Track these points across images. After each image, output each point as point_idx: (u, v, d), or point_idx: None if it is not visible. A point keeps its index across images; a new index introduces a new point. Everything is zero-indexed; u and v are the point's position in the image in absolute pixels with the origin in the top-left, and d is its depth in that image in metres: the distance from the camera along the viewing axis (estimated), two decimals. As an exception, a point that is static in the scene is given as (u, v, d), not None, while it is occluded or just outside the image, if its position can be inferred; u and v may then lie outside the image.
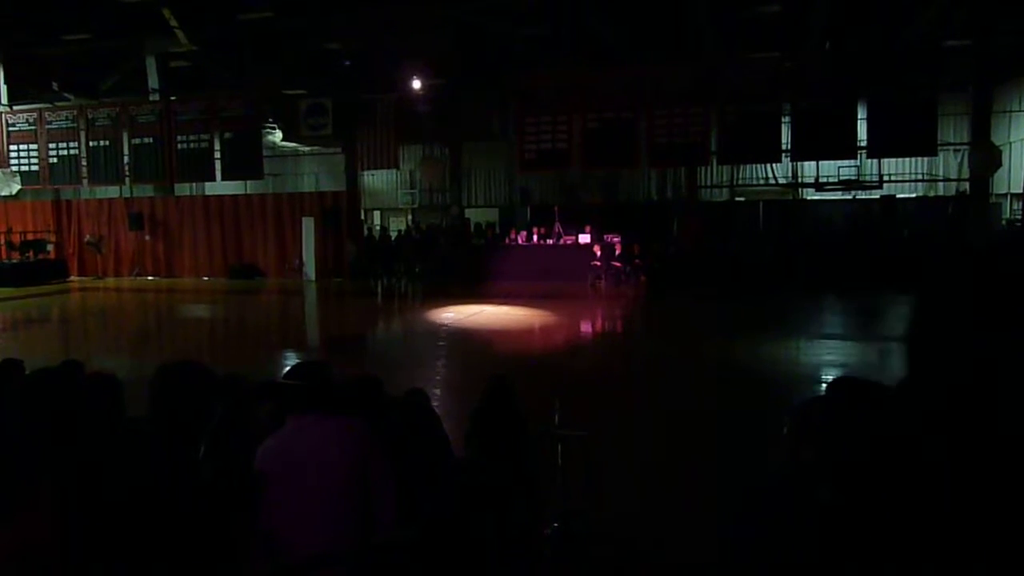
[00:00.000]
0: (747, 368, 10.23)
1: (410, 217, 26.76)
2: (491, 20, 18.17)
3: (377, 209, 27.65)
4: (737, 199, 22.47)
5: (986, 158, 17.13)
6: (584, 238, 19.99)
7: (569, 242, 20.24)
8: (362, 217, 24.53)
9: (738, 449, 6.11)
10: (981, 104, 17.60)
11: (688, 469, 6.17)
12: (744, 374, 9.82)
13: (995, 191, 18.43)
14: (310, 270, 22.32)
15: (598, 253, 19.50)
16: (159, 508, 2.29)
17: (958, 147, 19.77)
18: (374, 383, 4.07)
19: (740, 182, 22.89)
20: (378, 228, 25.65)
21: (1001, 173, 18.11)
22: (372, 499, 2.84)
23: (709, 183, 22.67)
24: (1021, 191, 18.51)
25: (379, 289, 20.78)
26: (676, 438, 7.04)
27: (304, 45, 20.59)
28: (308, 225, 22.31)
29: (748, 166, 22.26)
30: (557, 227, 20.39)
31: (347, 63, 21.31)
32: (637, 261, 19.63)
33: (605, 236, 19.98)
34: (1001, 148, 17.79)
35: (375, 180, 27.08)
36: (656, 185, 24.00)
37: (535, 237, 20.82)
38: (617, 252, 19.68)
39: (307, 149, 26.56)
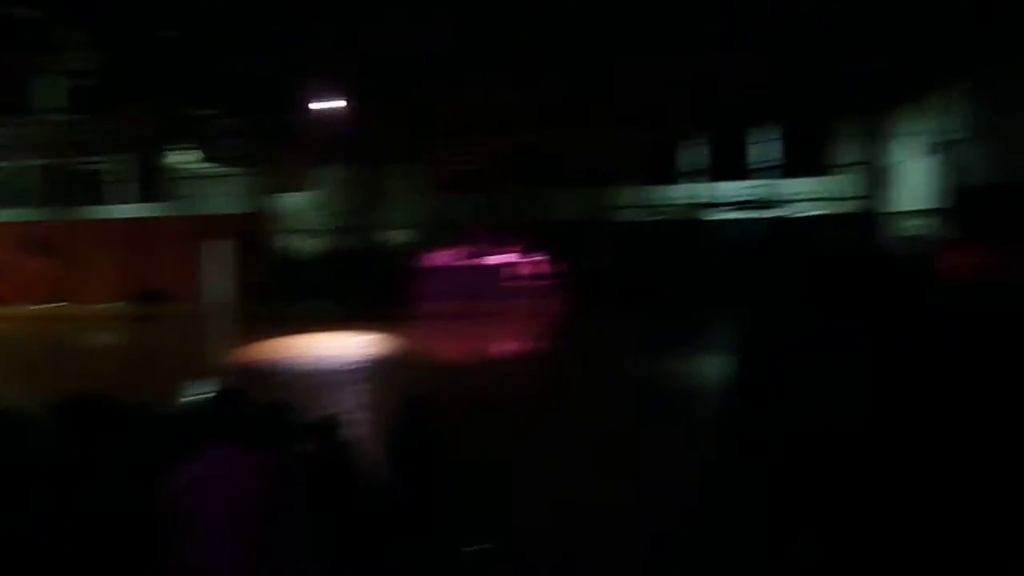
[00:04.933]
0: (661, 384, 10.47)
1: (327, 240, 26.35)
2: (406, 44, 18.15)
3: (292, 232, 27.13)
4: (646, 218, 23.01)
5: (876, 179, 18.10)
6: (503, 258, 20.13)
7: (488, 262, 20.34)
8: (276, 240, 24.03)
9: (654, 463, 6.25)
10: (874, 127, 18.61)
11: (604, 487, 6.26)
12: (658, 390, 10.04)
13: (888, 210, 19.45)
14: (221, 295, 21.73)
15: (517, 273, 19.67)
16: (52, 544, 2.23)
17: (853, 167, 20.81)
18: (286, 410, 4.02)
19: (648, 202, 23.42)
20: (293, 251, 25.15)
21: (890, 193, 19.16)
22: (283, 530, 2.81)
23: (619, 203, 23.14)
24: (907, 210, 19.66)
25: (295, 314, 20.38)
26: (592, 456, 7.15)
27: (216, 64, 20.14)
28: (221, 248, 21.74)
29: (655, 187, 22.83)
30: (475, 247, 20.47)
31: (261, 82, 20.94)
32: (555, 280, 19.87)
33: (526, 255, 20.17)
34: (893, 168, 18.83)
35: (290, 202, 26.59)
36: (571, 204, 24.34)
37: (453, 258, 20.84)
38: (535, 271, 19.88)
39: (219, 169, 25.90)
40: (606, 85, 19.14)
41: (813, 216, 21.62)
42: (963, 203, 16.58)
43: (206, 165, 24.32)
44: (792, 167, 19.21)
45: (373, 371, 11.97)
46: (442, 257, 21.04)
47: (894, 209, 19.86)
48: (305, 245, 25.99)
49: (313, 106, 20.28)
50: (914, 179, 19.52)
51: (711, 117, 18.78)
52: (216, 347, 16.64)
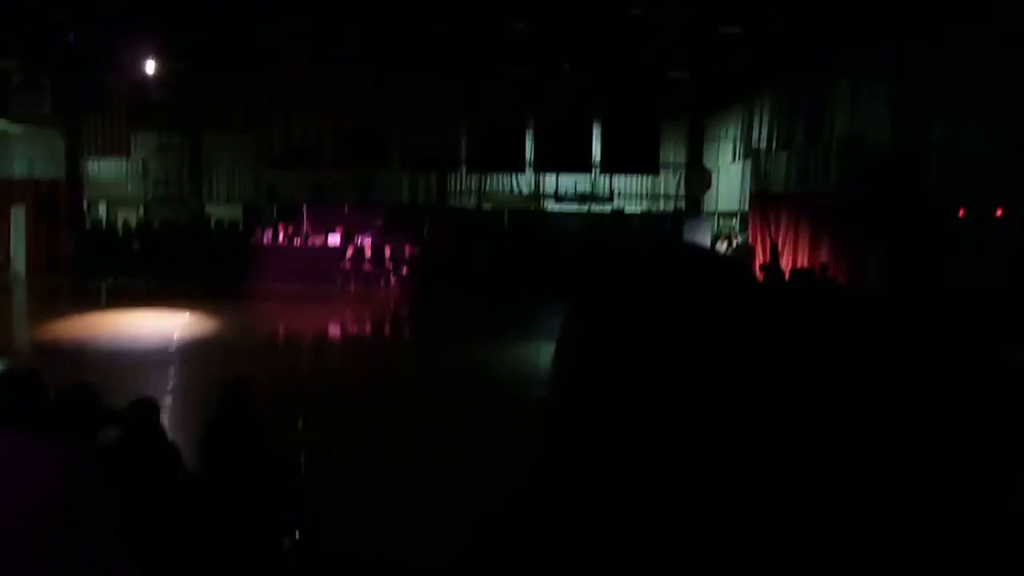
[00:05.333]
0: (490, 371, 10.65)
1: (142, 211, 24.62)
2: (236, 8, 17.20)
3: (103, 200, 25.11)
4: (484, 207, 23.31)
5: (699, 179, 19.31)
6: (334, 239, 19.64)
7: (318, 243, 19.78)
8: (85, 209, 22.19)
9: (482, 453, 6.34)
10: (695, 131, 19.84)
11: (431, 476, 6.29)
12: (487, 377, 10.21)
13: (706, 209, 20.79)
14: (19, 266, 19.76)
15: (348, 255, 19.26)
16: None
17: (676, 168, 22.07)
18: (89, 393, 3.71)
19: (487, 191, 23.77)
20: (103, 221, 23.29)
21: (710, 193, 20.51)
22: (86, 524, 2.59)
23: (459, 190, 23.28)
24: (726, 210, 21.13)
25: (103, 289, 18.89)
26: (420, 444, 7.16)
27: (19, 13, 18.17)
28: (18, 215, 19.73)
29: (495, 176, 23.18)
30: (305, 227, 19.84)
31: (72, 37, 19.12)
32: (388, 264, 19.65)
33: (356, 238, 19.77)
34: (711, 171, 20.15)
35: (102, 169, 24.54)
36: (408, 189, 24.20)
37: (281, 237, 20.08)
38: (368, 255, 19.55)
39: (19, 129, 23.45)
40: (445, 74, 19.13)
41: (640, 212, 22.78)
42: (758, 206, 18.09)
43: (3, 124, 21.97)
44: (623, 164, 20.15)
45: (188, 353, 11.34)
46: (269, 235, 20.21)
47: (712, 209, 21.28)
48: (118, 216, 24.16)
49: (131, 67, 18.81)
50: (729, 182, 21.01)
51: (544, 112, 19.28)
52: (10, 323, 15.13)
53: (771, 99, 18.03)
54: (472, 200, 23.56)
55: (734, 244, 18.47)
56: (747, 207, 19.45)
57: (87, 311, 16.05)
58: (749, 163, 19.42)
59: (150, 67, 18.84)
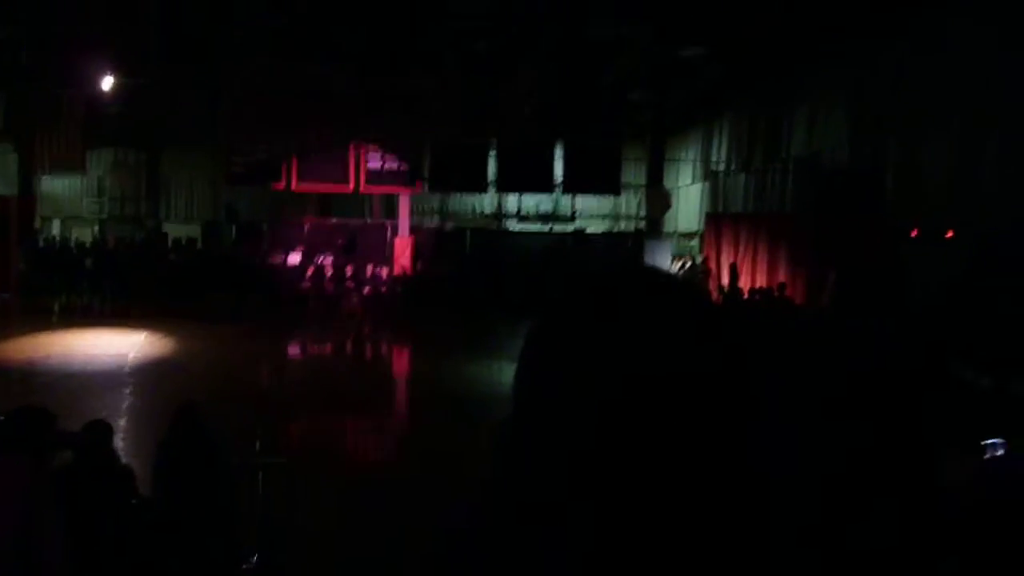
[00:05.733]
0: (451, 389, 10.58)
1: (97, 228, 24.12)
2: (201, 15, 16.97)
3: (56, 218, 24.57)
4: (447, 226, 23.29)
5: (659, 200, 19.52)
6: (294, 258, 19.45)
7: (278, 261, 19.57)
8: (37, 226, 21.68)
9: (442, 469, 6.29)
10: (656, 152, 20.08)
11: (391, 491, 6.23)
12: (448, 395, 10.14)
13: (667, 230, 21.01)
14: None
15: (309, 274, 19.08)
16: None
17: (637, 189, 22.29)
18: (41, 415, 3.61)
19: (450, 210, 23.75)
20: (56, 239, 22.75)
21: (671, 214, 20.73)
22: (35, 546, 2.51)
23: (421, 209, 23.22)
24: (686, 231, 21.38)
25: (55, 308, 18.44)
26: (381, 459, 7.09)
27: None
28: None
29: (457, 195, 23.18)
30: (265, 245, 19.64)
31: (24, 51, 18.74)
32: (350, 283, 19.50)
33: (317, 257, 19.60)
34: (671, 192, 20.38)
35: (55, 185, 24.03)
36: (368, 207, 24.06)
37: (245, 253, 19.80)
38: (329, 274, 19.39)
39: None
40: (404, 90, 19.14)
41: (602, 232, 22.95)
42: (713, 226, 18.34)
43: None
44: (585, 184, 20.37)
45: (143, 373, 11.10)
46: (232, 251, 19.94)
47: (672, 229, 21.53)
48: (70, 233, 23.64)
49: (86, 81, 18.47)
50: (689, 203, 21.28)
51: (507, 132, 19.40)
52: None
53: (730, 121, 18.35)
54: (435, 219, 23.53)
55: (687, 265, 18.58)
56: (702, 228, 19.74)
57: (38, 331, 15.64)
58: (708, 184, 19.72)
59: (106, 81, 18.52)
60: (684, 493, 0.65)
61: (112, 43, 17.44)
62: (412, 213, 22.27)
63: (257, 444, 4.91)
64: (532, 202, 22.95)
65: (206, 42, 17.48)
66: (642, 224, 21.30)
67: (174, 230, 22.39)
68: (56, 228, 24.23)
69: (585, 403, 0.66)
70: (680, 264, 18.41)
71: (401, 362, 12.82)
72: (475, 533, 0.75)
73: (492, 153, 19.87)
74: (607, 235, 22.88)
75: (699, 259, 19.20)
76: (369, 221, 23.33)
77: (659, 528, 0.65)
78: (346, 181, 19.91)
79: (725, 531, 0.66)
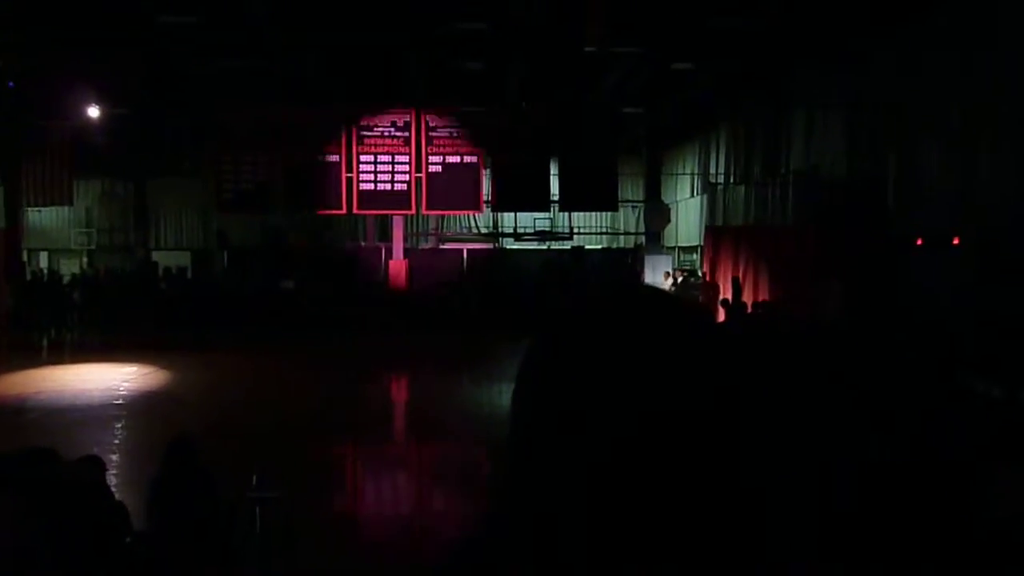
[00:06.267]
0: (449, 411, 10.31)
1: (85, 259, 23.84)
2: (187, 50, 16.85)
3: (44, 250, 24.28)
4: (442, 246, 23.10)
5: (658, 215, 19.37)
6: (291, 283, 19.18)
7: (276, 287, 19.28)
8: (25, 259, 21.40)
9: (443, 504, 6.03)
10: (653, 167, 19.97)
11: (389, 522, 5.96)
12: (446, 418, 9.87)
13: (665, 244, 20.85)
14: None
15: (308, 299, 18.79)
16: None
17: (635, 204, 22.16)
18: (47, 456, 3.36)
19: (445, 230, 23.58)
20: (44, 271, 22.42)
21: (670, 228, 20.59)
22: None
23: (416, 230, 23.03)
24: (686, 244, 21.24)
25: (44, 341, 18.10)
26: (379, 489, 6.82)
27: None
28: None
29: (452, 215, 22.99)
30: (265, 270, 19.39)
31: (11, 85, 18.50)
32: (350, 307, 19.19)
33: (319, 279, 19.41)
34: (669, 206, 20.25)
35: (43, 217, 23.78)
36: (362, 230, 23.84)
37: (237, 282, 19.53)
38: (330, 297, 19.10)
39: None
40: (401, 113, 19.03)
41: (600, 249, 22.78)
42: (711, 240, 18.15)
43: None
44: (582, 201, 20.23)
45: (135, 406, 10.79)
46: (224, 280, 19.67)
47: (672, 244, 21.39)
48: (58, 265, 23.33)
49: (72, 112, 18.26)
50: (688, 216, 21.14)
51: (502, 151, 19.29)
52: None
53: (727, 133, 18.24)
54: (429, 240, 23.36)
55: (679, 280, 18.26)
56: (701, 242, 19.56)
57: (28, 366, 15.28)
58: (707, 197, 19.59)
59: (92, 112, 18.30)
60: (678, 510, 0.66)
61: (97, 74, 17.23)
62: (406, 235, 22.04)
63: (254, 478, 4.68)
64: (529, 220, 22.78)
65: (190, 77, 17.33)
66: (642, 239, 21.13)
67: (164, 259, 22.11)
68: (44, 260, 23.94)
69: (578, 429, 0.67)
70: (672, 280, 18.13)
71: (399, 386, 12.52)
72: (483, 545, 0.76)
73: (487, 172, 19.77)
74: (606, 251, 22.72)
75: (698, 272, 18.97)
76: (363, 244, 23.10)
77: (653, 544, 0.66)
78: (339, 206, 19.70)
79: (717, 543, 0.67)
